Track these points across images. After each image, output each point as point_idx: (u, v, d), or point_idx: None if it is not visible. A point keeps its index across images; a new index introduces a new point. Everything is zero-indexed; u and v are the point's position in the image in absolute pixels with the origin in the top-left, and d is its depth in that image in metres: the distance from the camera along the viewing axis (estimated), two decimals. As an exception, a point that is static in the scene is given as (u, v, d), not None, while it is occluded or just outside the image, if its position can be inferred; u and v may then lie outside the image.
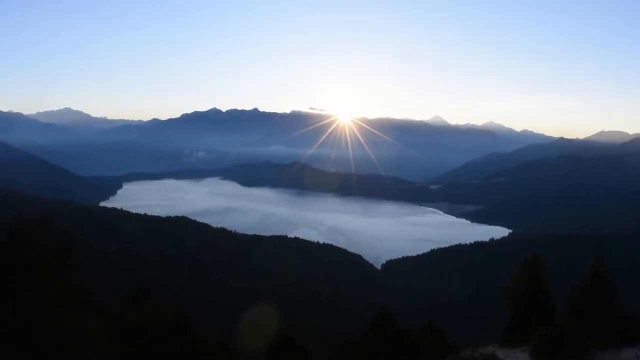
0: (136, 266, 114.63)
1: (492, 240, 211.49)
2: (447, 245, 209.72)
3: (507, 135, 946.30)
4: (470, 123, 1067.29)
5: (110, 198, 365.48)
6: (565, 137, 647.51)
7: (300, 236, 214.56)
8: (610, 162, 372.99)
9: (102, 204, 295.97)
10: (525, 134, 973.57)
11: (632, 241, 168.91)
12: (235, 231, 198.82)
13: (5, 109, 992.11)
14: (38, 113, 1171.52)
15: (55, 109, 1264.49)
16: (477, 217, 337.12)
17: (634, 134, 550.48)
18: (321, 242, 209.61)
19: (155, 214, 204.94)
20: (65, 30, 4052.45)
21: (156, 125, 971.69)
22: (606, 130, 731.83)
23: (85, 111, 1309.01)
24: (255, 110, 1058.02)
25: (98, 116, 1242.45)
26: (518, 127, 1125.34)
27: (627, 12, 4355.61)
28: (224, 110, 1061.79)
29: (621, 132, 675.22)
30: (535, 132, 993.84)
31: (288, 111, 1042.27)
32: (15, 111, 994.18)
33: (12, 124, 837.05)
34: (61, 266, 21.05)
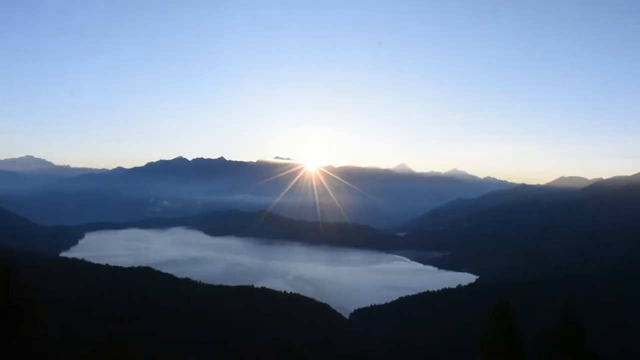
0: (98, 317, 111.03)
1: (459, 286, 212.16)
2: (415, 293, 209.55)
3: (471, 182, 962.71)
4: (435, 170, 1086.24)
5: (72, 248, 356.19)
6: (527, 183, 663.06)
7: (267, 286, 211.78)
8: (571, 207, 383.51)
9: (63, 254, 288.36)
10: (489, 181, 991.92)
11: (597, 281, 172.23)
12: (200, 281, 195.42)
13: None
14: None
15: (16, 156, 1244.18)
16: (443, 264, 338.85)
17: (592, 179, 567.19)
18: (288, 291, 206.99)
19: (118, 264, 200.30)
20: (27, 76, 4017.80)
21: (121, 173, 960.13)
22: (566, 176, 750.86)
23: (48, 159, 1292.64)
24: (222, 159, 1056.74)
25: (61, 164, 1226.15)
26: (481, 174, 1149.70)
27: (588, 58, 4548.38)
28: (189, 158, 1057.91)
29: (580, 177, 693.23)
30: (497, 178, 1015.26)
31: (254, 160, 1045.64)
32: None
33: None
34: (21, 319, 20.30)
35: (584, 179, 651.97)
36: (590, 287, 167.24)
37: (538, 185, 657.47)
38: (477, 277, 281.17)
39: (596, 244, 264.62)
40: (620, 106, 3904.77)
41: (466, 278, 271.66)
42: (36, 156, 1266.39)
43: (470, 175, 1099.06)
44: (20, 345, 19.20)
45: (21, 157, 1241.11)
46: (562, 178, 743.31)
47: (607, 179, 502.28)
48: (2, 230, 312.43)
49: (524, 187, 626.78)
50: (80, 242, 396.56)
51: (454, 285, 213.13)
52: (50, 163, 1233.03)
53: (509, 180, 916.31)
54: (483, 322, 26.93)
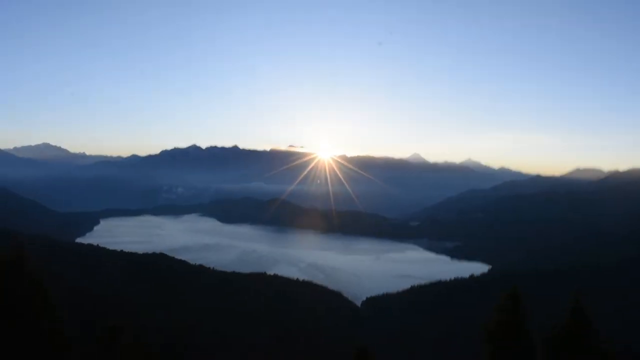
0: (112, 304, 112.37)
1: (471, 276, 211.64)
2: (427, 282, 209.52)
3: (484, 173, 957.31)
4: (449, 160, 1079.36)
5: (87, 234, 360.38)
6: (542, 174, 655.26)
7: (280, 273, 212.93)
8: (586, 199, 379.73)
9: (78, 240, 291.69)
10: (503, 171, 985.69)
11: (610, 276, 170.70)
12: (213, 268, 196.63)
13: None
14: (15, 148, 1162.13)
15: (33, 144, 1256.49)
16: (456, 253, 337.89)
17: (608, 172, 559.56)
18: (300, 279, 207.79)
19: (132, 251, 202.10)
20: (45, 66, 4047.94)
21: (135, 161, 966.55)
22: (581, 167, 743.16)
23: (64, 146, 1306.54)
24: (235, 147, 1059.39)
25: (76, 152, 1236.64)
26: (495, 164, 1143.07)
27: (603, 51, 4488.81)
28: (203, 147, 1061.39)
29: (596, 169, 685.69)
30: (512, 169, 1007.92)
31: (268, 148, 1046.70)
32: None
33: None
34: (34, 305, 20.57)
35: (600, 171, 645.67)
36: (604, 281, 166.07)
37: (553, 176, 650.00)
38: (490, 267, 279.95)
39: (611, 236, 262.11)
40: (638, 97, 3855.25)
41: (478, 268, 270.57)
42: (52, 143, 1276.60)
43: (484, 166, 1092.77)
44: (33, 331, 19.49)
45: (38, 145, 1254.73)
46: (577, 170, 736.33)
47: (624, 171, 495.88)
48: (19, 216, 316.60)
49: (538, 178, 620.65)
50: (95, 228, 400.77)
51: (466, 275, 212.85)
52: (66, 150, 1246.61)
53: (524, 171, 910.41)
54: (493, 312, 26.83)
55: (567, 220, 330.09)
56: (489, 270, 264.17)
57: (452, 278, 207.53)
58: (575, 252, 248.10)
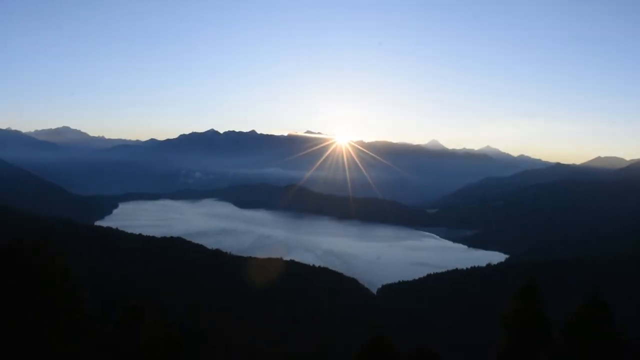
0: (130, 286, 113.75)
1: (489, 265, 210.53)
2: (443, 270, 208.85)
3: (503, 160, 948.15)
4: (467, 148, 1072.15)
5: (106, 217, 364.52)
6: (562, 162, 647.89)
7: (296, 259, 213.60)
8: (607, 188, 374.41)
9: (97, 223, 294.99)
10: (522, 159, 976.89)
11: (629, 265, 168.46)
12: (230, 253, 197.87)
13: (3, 127, 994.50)
14: (36, 131, 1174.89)
15: (53, 127, 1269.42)
16: (473, 242, 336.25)
17: (630, 160, 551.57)
18: (316, 265, 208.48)
19: (151, 234, 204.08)
20: (66, 50, 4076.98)
21: (154, 145, 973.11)
22: (603, 156, 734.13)
23: (83, 130, 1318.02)
24: (253, 132, 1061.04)
25: (96, 135, 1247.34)
26: (515, 152, 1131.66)
27: (625, 39, 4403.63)
28: (221, 131, 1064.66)
29: (618, 158, 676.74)
30: (531, 157, 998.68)
31: (285, 134, 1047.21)
32: (13, 129, 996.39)
33: (9, 141, 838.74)
34: (56, 288, 20.90)
35: (622, 160, 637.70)
36: (621, 270, 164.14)
37: (574, 164, 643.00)
38: (507, 256, 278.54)
39: (632, 226, 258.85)
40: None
41: (496, 257, 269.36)
42: (72, 127, 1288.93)
43: (504, 153, 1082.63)
44: (55, 313, 19.80)
45: (58, 128, 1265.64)
46: (598, 158, 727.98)
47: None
48: (40, 200, 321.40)
49: (558, 166, 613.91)
50: (115, 211, 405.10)
51: (483, 264, 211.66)
52: (85, 134, 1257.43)
53: (544, 159, 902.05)
54: (511, 300, 26.77)
55: (587, 210, 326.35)
56: (506, 259, 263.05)
57: (469, 267, 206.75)
58: (594, 241, 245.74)
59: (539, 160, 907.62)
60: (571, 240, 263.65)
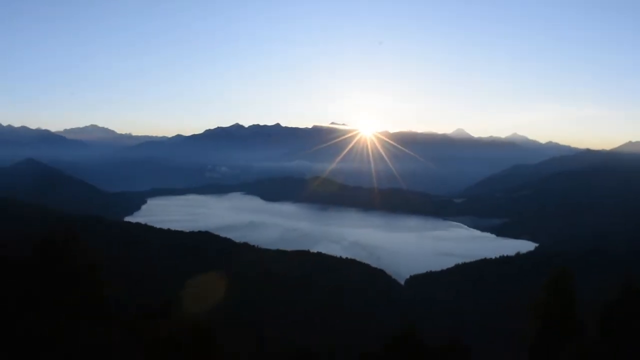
0: (158, 281, 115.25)
1: (518, 254, 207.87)
2: (472, 260, 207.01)
3: (531, 147, 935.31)
4: (494, 135, 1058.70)
5: (135, 213, 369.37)
6: (592, 148, 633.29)
7: (323, 251, 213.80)
8: (638, 174, 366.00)
9: (126, 219, 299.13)
10: (550, 146, 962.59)
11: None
12: (258, 246, 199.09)
13: (33, 127, 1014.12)
14: (65, 130, 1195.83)
15: (81, 125, 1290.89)
16: (502, 231, 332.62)
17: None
18: (343, 256, 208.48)
19: (179, 229, 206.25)
20: (93, 50, 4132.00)
21: (180, 141, 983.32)
22: (634, 140, 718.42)
23: (111, 128, 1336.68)
24: (278, 125, 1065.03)
25: (123, 132, 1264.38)
26: (542, 138, 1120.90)
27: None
28: (246, 125, 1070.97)
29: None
30: (560, 143, 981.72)
31: (310, 126, 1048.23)
32: (43, 128, 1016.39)
33: (39, 140, 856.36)
34: (88, 282, 21.23)
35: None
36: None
37: (604, 150, 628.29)
38: (537, 245, 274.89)
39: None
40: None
41: (525, 246, 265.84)
42: (100, 125, 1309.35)
43: (531, 140, 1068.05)
44: (85, 305, 20.08)
45: (86, 126, 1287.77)
46: (629, 143, 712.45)
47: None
48: (70, 197, 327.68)
49: (588, 152, 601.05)
50: (143, 207, 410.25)
51: (512, 253, 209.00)
52: (113, 131, 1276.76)
53: (572, 146, 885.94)
54: (542, 290, 26.41)
55: (618, 197, 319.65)
56: (535, 248, 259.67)
57: (498, 256, 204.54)
58: (626, 230, 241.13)
59: (568, 146, 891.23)
60: (601, 229, 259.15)
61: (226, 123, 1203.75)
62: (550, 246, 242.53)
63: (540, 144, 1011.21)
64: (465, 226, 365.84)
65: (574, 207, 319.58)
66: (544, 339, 25.29)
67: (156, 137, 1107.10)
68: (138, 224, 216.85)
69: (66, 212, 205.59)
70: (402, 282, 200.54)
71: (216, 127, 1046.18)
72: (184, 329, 23.55)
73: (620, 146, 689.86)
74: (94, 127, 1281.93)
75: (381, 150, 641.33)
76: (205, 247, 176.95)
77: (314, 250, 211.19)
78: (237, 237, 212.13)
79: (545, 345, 25.11)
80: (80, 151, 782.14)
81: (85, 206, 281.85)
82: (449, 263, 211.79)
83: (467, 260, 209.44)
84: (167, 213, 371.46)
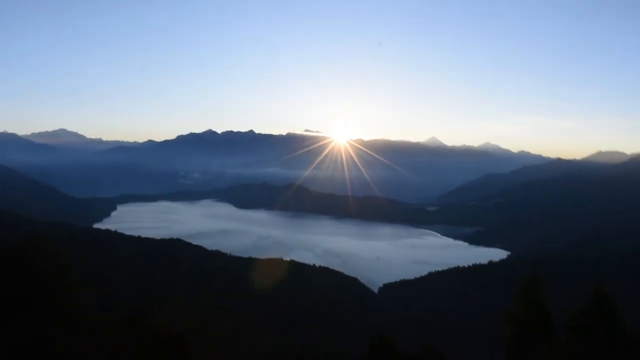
0: (130, 288, 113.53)
1: (490, 262, 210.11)
2: (445, 268, 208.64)
3: (503, 156, 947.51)
4: (467, 144, 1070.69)
5: (104, 220, 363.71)
6: (562, 157, 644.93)
7: (296, 259, 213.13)
8: (608, 183, 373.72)
9: (95, 225, 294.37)
10: (522, 155, 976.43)
11: (631, 261, 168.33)
12: (230, 253, 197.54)
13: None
14: (32, 134, 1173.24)
15: (50, 129, 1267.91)
16: (474, 239, 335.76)
17: (631, 154, 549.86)
18: (317, 264, 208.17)
19: (150, 236, 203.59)
20: (61, 52, 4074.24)
21: (151, 146, 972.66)
22: (603, 150, 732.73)
23: (80, 132, 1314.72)
24: (251, 132, 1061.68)
25: (93, 137, 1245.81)
26: (515, 148, 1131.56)
27: (624, 32, 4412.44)
28: (219, 131, 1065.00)
29: (619, 152, 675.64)
30: (532, 152, 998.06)
31: (284, 133, 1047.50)
32: (9, 132, 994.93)
33: (5, 144, 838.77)
34: (57, 287, 20.70)
35: (623, 154, 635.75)
36: (626, 265, 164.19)
37: (574, 160, 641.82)
38: (509, 253, 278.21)
39: (634, 221, 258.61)
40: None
41: (498, 254, 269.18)
42: (69, 129, 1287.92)
43: (503, 149, 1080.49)
44: (55, 312, 19.57)
45: (54, 130, 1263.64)
46: (599, 152, 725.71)
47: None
48: (37, 202, 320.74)
49: (559, 161, 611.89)
50: (113, 214, 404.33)
51: (485, 262, 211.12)
52: (82, 136, 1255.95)
53: (544, 155, 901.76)
54: (514, 297, 26.65)
55: (588, 205, 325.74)
56: (507, 256, 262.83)
57: (471, 264, 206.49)
58: (596, 238, 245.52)
59: (540, 156, 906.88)
60: (573, 236, 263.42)
61: (199, 129, 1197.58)
62: (523, 254, 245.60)
63: (512, 153, 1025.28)
64: (439, 234, 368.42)
65: (546, 216, 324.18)
66: (517, 346, 25.52)
67: (127, 142, 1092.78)
68: (108, 231, 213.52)
69: (33, 218, 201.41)
70: (376, 290, 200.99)
71: (189, 132, 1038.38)
72: (157, 336, 23.13)
73: (591, 155, 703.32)
74: (62, 131, 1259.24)
75: (355, 158, 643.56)
76: (177, 254, 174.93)
77: (287, 258, 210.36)
78: (209, 244, 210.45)
79: (518, 352, 25.33)
80: (48, 156, 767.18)
81: (53, 213, 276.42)
82: (422, 271, 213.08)
83: (441, 268, 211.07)
84: (138, 220, 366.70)
